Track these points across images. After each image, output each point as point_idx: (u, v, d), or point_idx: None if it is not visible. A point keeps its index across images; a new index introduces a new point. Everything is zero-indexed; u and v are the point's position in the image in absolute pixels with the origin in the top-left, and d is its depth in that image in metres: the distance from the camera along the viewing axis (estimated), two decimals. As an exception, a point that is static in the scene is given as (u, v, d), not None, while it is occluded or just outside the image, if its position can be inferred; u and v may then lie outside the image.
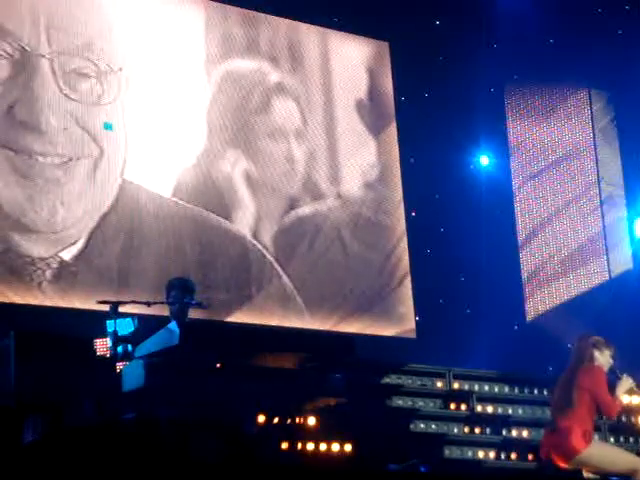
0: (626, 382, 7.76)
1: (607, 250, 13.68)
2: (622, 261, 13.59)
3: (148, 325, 7.37)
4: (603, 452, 7.55)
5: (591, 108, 13.90)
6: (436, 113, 13.33)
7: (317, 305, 12.05)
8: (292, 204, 12.08)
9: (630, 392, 7.87)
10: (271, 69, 12.23)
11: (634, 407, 10.34)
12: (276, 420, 7.78)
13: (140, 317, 7.49)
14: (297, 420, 8.72)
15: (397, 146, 13.07)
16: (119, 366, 7.22)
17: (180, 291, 7.95)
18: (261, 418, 7.69)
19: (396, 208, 12.96)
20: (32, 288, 10.29)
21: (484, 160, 13.95)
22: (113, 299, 7.59)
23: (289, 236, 12.04)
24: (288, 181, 12.13)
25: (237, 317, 11.36)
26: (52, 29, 10.75)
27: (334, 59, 12.78)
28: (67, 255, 10.50)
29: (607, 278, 13.53)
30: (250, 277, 11.65)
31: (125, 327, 7.24)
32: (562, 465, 7.68)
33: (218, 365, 7.22)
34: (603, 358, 7.76)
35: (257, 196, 11.88)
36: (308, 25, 12.58)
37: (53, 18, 10.81)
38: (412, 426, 9.85)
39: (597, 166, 13.83)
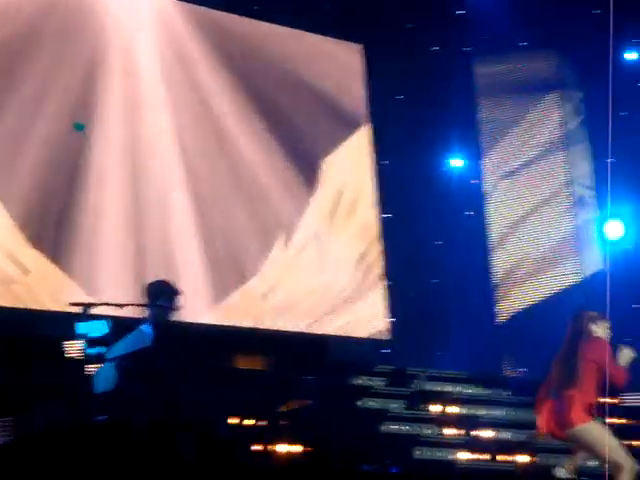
0: (627, 353, 7.80)
1: (579, 251, 13.76)
2: (593, 262, 13.67)
3: (121, 327, 7.36)
4: (600, 435, 7.55)
5: (563, 109, 13.98)
6: (409, 115, 13.37)
7: (291, 306, 12.06)
8: (267, 204, 12.11)
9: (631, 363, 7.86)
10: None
11: None
12: (248, 422, 7.80)
13: (113, 319, 7.47)
14: (269, 422, 8.75)
15: (370, 147, 13.11)
16: (91, 368, 7.20)
17: (168, 296, 7.88)
18: (233, 420, 7.71)
19: (370, 209, 12.99)
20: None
21: (456, 162, 14.01)
22: (85, 301, 7.56)
23: (264, 236, 12.05)
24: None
25: (210, 319, 11.35)
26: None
27: (307, 61, 12.81)
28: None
29: (579, 279, 13.61)
30: (223, 277, 11.65)
31: (97, 329, 7.22)
32: (557, 434, 7.71)
33: (191, 368, 7.22)
34: (601, 331, 7.80)
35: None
36: (280, 26, 12.59)
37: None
38: (383, 427, 9.89)
39: (568, 167, 13.91)
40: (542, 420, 7.85)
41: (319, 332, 12.00)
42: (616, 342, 7.87)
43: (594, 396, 7.66)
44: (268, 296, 11.91)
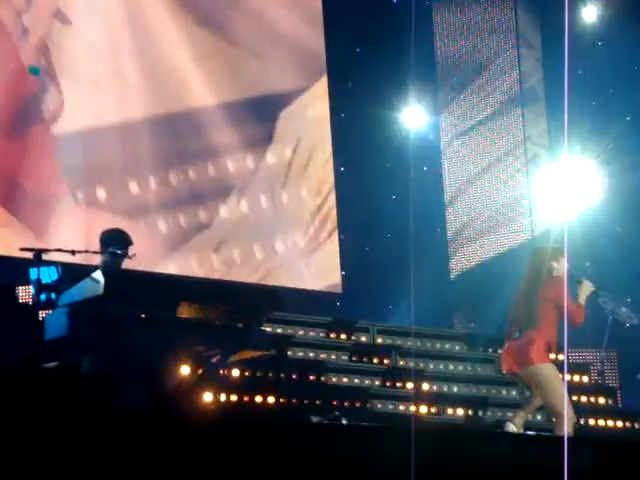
0: (586, 286, 7.88)
1: (531, 210, 13.84)
2: (545, 221, 13.77)
3: (72, 274, 7.32)
4: (552, 378, 7.69)
5: (519, 67, 14.00)
6: (367, 69, 13.34)
7: (245, 258, 12.05)
8: (222, 154, 12.04)
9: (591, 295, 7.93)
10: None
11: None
12: (200, 372, 7.80)
13: (64, 266, 7.42)
14: (221, 372, 8.75)
15: (327, 101, 13.05)
16: (42, 314, 7.16)
17: (120, 244, 7.86)
18: (185, 370, 7.71)
19: (326, 163, 12.97)
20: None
21: (414, 118, 14.00)
22: (36, 247, 7.51)
23: (219, 187, 12.00)
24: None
25: (164, 267, 11.32)
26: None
27: (267, 11, 12.70)
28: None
29: (530, 237, 13.71)
30: (177, 228, 11.61)
31: (48, 275, 7.17)
32: (514, 370, 7.84)
33: (143, 316, 7.19)
34: (561, 267, 7.84)
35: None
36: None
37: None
38: (334, 379, 9.94)
39: (524, 125, 13.95)
40: (503, 358, 7.98)
41: (274, 283, 12.01)
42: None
43: (554, 335, 7.76)
44: (222, 247, 11.88)
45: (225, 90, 12.19)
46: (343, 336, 10.75)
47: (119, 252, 7.65)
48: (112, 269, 7.61)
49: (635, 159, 13.47)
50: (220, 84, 12.13)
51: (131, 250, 7.75)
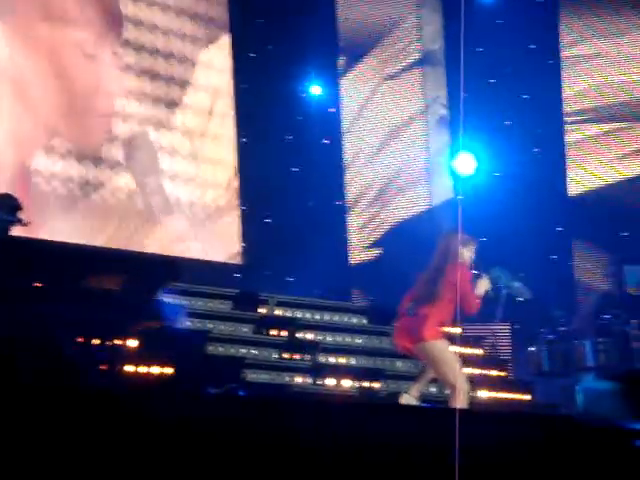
0: (485, 282, 8.03)
1: (430, 178, 13.98)
2: (444, 190, 13.93)
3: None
4: (445, 352, 7.80)
5: (420, 31, 14.08)
6: (271, 41, 13.32)
7: (143, 226, 11.95)
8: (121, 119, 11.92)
9: (486, 292, 8.07)
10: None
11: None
12: (96, 342, 7.74)
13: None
14: (117, 342, 8.70)
15: (231, 72, 12.98)
16: None
17: (5, 210, 7.71)
18: (80, 339, 7.64)
19: (228, 134, 12.91)
20: None
21: (316, 89, 14.03)
22: None
23: (116, 154, 11.87)
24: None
25: (59, 235, 11.14)
26: None
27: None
28: None
29: (427, 207, 13.86)
30: (77, 189, 11.42)
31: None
32: (407, 346, 7.94)
33: (37, 284, 7.11)
34: (467, 255, 7.98)
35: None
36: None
37: None
38: (232, 350, 9.95)
39: (425, 92, 14.04)
40: (397, 334, 8.07)
41: (174, 254, 11.94)
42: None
43: (448, 315, 7.88)
44: (119, 215, 11.76)
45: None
46: (242, 307, 10.76)
47: (9, 218, 7.51)
48: (1, 235, 7.49)
49: (529, 136, 13.74)
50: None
51: (21, 214, 7.61)
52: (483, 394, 10.72)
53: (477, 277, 8.04)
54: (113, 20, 11.85)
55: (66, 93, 11.29)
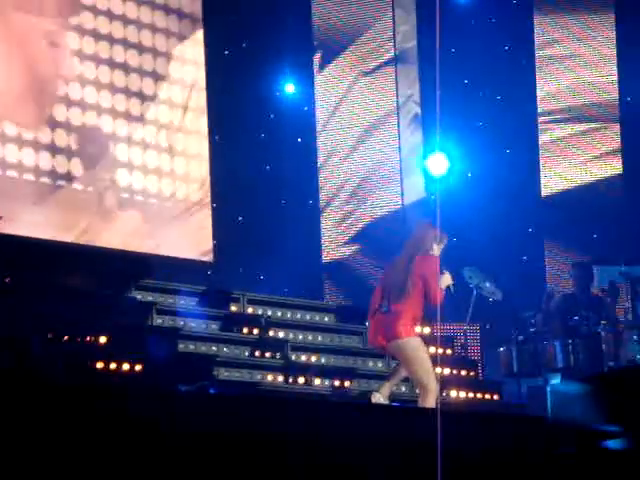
0: (447, 278, 8.06)
1: (402, 178, 13.99)
2: (417, 189, 13.95)
3: None
4: (419, 351, 7.81)
5: (394, 29, 14.10)
6: (245, 38, 13.29)
7: (114, 223, 11.88)
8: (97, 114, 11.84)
9: (447, 287, 8.11)
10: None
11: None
12: (65, 338, 7.70)
13: None
14: (88, 339, 8.66)
15: (204, 68, 12.92)
16: None
17: None
18: (50, 336, 7.60)
19: (201, 130, 12.86)
20: None
21: (290, 87, 14.01)
22: None
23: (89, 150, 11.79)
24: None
25: (31, 230, 11.04)
26: None
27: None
28: None
29: (400, 206, 13.88)
30: (42, 185, 11.30)
31: None
32: (381, 343, 7.94)
33: (6, 280, 7.06)
34: (438, 249, 8.00)
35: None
36: None
37: None
38: (204, 348, 9.93)
39: (397, 91, 14.05)
40: (370, 331, 8.08)
41: (144, 251, 11.88)
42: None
43: (420, 309, 7.91)
44: (89, 211, 11.68)
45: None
46: (214, 305, 10.73)
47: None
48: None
49: (502, 137, 13.78)
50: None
51: None
52: (453, 394, 10.75)
53: (440, 273, 8.07)
54: (74, 9, 11.75)
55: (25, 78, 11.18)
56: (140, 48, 12.25)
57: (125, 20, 12.16)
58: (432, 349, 9.05)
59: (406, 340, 7.80)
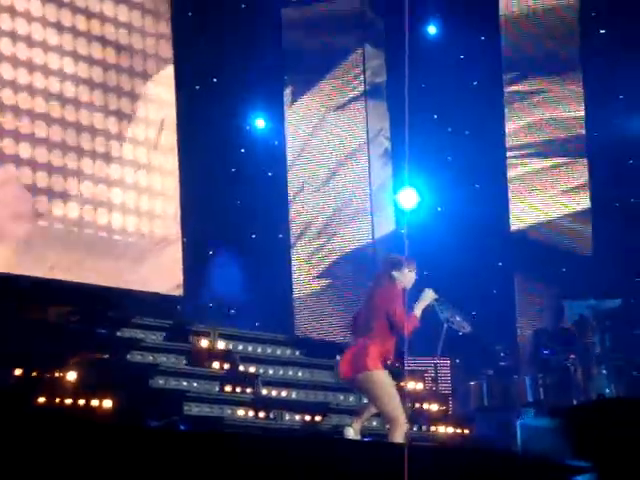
0: (427, 295, 7.88)
1: (372, 212, 14.04)
2: (387, 223, 14.00)
3: None
4: (386, 386, 7.71)
5: (364, 65, 14.19)
6: (216, 74, 13.34)
7: (84, 258, 11.84)
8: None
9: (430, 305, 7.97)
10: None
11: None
12: (34, 373, 7.64)
13: None
14: (56, 374, 8.60)
15: (175, 105, 12.93)
16: None
17: None
18: (18, 371, 7.53)
19: (171, 166, 12.86)
20: None
21: (260, 122, 14.06)
22: None
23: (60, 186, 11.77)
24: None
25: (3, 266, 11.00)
26: None
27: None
28: None
29: (370, 240, 13.92)
30: (15, 221, 11.29)
31: None
32: (347, 375, 7.84)
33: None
34: (404, 277, 7.78)
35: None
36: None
37: None
38: (174, 383, 9.88)
39: (367, 126, 14.12)
40: (341, 362, 8.04)
41: (115, 285, 11.83)
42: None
43: (388, 342, 7.80)
44: (61, 246, 11.64)
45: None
46: (183, 340, 10.70)
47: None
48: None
49: (472, 171, 13.87)
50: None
51: None
52: (423, 428, 10.74)
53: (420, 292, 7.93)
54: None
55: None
56: (104, 87, 12.24)
57: (90, 61, 12.16)
58: (402, 383, 9.04)
59: (373, 373, 7.75)
